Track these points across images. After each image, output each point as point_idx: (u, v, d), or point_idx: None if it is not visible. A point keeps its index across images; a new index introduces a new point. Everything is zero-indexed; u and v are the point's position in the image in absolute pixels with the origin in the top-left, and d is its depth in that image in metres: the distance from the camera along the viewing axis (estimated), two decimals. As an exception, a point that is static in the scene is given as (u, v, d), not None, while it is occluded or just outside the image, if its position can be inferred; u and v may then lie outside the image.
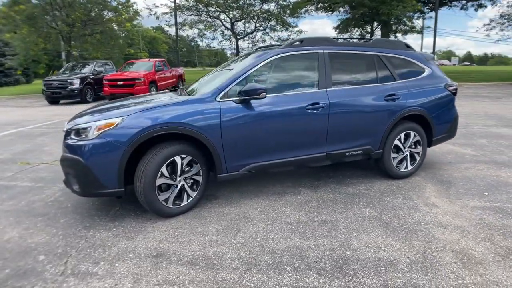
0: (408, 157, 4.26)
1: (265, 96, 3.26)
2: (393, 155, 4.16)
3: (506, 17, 21.80)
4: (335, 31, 25.55)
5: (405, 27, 21.13)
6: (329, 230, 3.02)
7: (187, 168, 3.30)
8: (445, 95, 4.38)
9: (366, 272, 2.41)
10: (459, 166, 4.79)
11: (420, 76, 4.31)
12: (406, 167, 4.27)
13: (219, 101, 3.31)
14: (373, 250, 2.70)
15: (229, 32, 22.68)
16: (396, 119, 4.02)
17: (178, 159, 3.19)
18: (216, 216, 3.33)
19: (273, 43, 22.88)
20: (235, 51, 22.99)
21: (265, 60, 3.58)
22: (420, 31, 20.78)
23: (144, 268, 2.49)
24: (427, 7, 22.75)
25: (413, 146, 4.28)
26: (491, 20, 22.74)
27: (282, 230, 3.03)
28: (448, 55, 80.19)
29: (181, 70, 18.98)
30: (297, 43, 3.81)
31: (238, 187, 4.07)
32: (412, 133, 4.21)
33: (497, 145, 5.94)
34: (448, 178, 4.29)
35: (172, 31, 44.34)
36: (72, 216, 3.36)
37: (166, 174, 3.17)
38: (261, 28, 22.51)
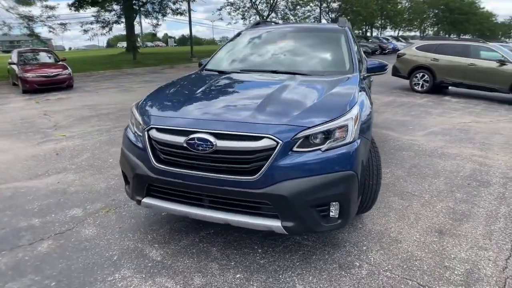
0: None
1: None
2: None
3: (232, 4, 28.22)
4: (70, 8, 23.28)
5: (163, 11, 22.34)
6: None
7: None
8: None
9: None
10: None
11: None
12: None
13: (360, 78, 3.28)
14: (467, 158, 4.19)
15: None
16: None
17: None
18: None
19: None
20: None
21: (352, 39, 3.76)
22: (182, 13, 22.69)
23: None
24: None
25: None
26: (222, 7, 28.63)
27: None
28: (165, 38, 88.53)
29: None
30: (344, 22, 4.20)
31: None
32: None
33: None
34: (383, 125, 6.37)
35: None
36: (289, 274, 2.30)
37: None
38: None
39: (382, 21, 32.32)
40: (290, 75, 3.09)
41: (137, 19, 21.90)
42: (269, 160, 2.04)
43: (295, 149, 2.08)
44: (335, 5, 31.94)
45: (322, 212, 2.17)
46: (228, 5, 28.34)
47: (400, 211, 3.14)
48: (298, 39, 3.85)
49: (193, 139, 2.12)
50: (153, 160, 2.28)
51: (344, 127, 2.19)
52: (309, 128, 2.11)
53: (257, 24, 4.50)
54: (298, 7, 27.94)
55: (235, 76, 3.25)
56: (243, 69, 3.41)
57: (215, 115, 2.29)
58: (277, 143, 2.04)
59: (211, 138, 2.09)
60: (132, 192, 2.51)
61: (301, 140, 2.09)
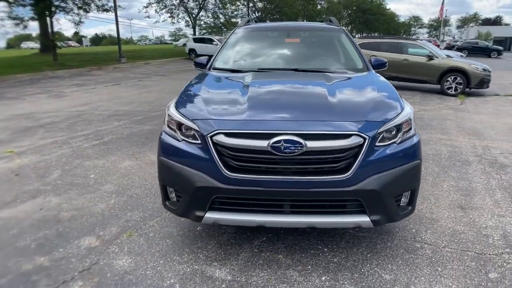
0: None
1: None
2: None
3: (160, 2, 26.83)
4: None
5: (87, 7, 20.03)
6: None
7: None
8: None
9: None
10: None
11: None
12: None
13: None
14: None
15: None
16: None
17: None
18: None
19: None
20: None
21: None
22: (109, 10, 20.42)
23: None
24: None
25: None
26: (149, 4, 26.95)
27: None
28: (77, 38, 78.99)
29: None
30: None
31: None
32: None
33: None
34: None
35: None
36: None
37: None
38: None
39: (304, 20, 34.54)
40: (317, 73, 3.09)
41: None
42: (359, 157, 2.03)
43: (377, 144, 2.11)
44: (260, 4, 32.99)
45: (397, 201, 2.24)
46: (155, 2, 26.91)
47: (418, 193, 3.40)
48: (304, 37, 3.85)
49: (279, 141, 1.98)
50: (224, 169, 2.06)
51: (408, 121, 2.30)
52: (386, 123, 2.16)
53: (248, 22, 4.37)
54: (228, 5, 28.00)
55: (266, 75, 3.12)
56: (260, 68, 3.27)
57: (294, 115, 2.17)
58: (365, 139, 2.04)
59: (300, 140, 1.98)
60: (186, 208, 2.22)
61: (382, 135, 2.13)
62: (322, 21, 4.84)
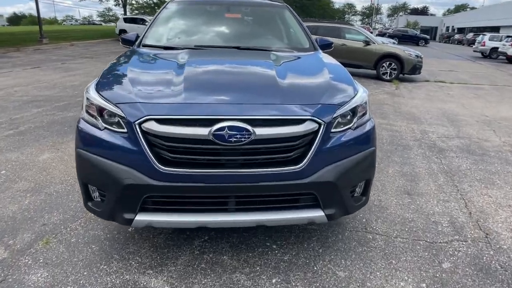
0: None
1: None
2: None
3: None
4: None
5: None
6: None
7: None
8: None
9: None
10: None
11: None
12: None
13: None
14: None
15: None
16: None
17: None
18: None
19: None
20: None
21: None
22: None
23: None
24: None
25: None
26: None
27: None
28: None
29: None
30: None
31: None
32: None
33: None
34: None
35: None
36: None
37: None
38: None
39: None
40: (262, 52, 2.82)
41: None
42: (314, 145, 1.83)
43: (332, 130, 1.91)
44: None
45: (352, 192, 2.11)
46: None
47: (366, 180, 3.40)
48: (245, 13, 3.55)
49: (222, 129, 1.69)
50: (156, 163, 1.73)
51: (363, 104, 2.14)
52: (342, 106, 1.97)
53: None
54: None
55: (204, 53, 2.78)
56: (197, 45, 2.90)
57: (239, 98, 1.88)
58: (320, 124, 1.84)
59: (247, 126, 1.71)
60: (112, 210, 1.85)
61: (337, 120, 1.94)
62: None
